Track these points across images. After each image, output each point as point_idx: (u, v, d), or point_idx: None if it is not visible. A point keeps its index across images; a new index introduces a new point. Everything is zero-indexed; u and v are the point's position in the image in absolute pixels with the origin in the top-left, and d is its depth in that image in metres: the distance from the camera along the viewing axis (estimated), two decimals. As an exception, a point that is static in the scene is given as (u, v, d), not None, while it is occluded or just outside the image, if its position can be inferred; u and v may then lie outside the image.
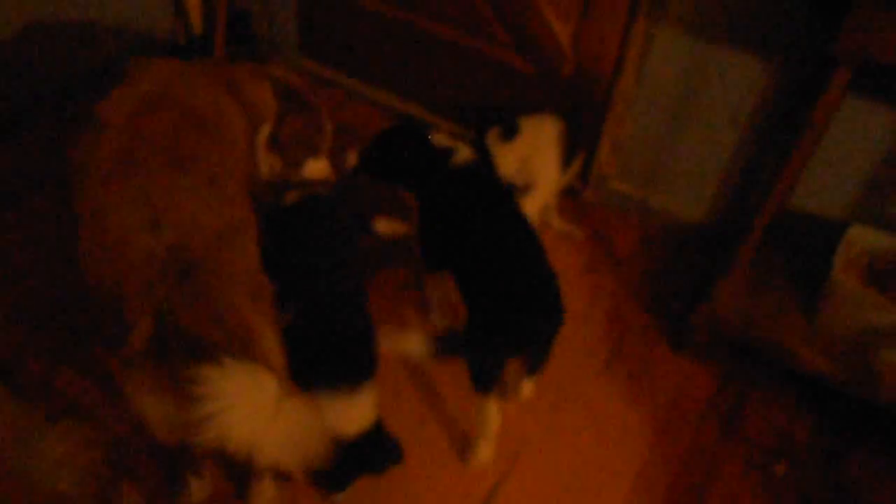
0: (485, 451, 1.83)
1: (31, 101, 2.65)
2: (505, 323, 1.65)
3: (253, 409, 1.23)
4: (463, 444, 1.89)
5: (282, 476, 1.41)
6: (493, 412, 1.74)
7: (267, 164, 1.97)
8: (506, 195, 1.95)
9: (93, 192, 1.44)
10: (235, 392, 1.20)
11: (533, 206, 2.35)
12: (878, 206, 2.07)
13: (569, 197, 2.61)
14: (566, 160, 2.35)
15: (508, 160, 2.37)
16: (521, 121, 2.37)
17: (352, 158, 2.04)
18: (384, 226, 2.07)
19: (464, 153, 1.98)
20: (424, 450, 1.86)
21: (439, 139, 2.02)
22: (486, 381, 1.69)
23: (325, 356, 1.58)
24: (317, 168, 1.98)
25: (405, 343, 1.59)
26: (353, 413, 1.57)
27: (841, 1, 1.54)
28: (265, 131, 1.93)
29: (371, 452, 1.61)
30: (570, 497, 1.83)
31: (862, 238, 1.97)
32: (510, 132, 2.36)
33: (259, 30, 3.03)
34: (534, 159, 2.33)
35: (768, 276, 2.11)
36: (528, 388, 1.96)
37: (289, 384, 1.38)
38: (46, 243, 2.22)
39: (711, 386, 2.10)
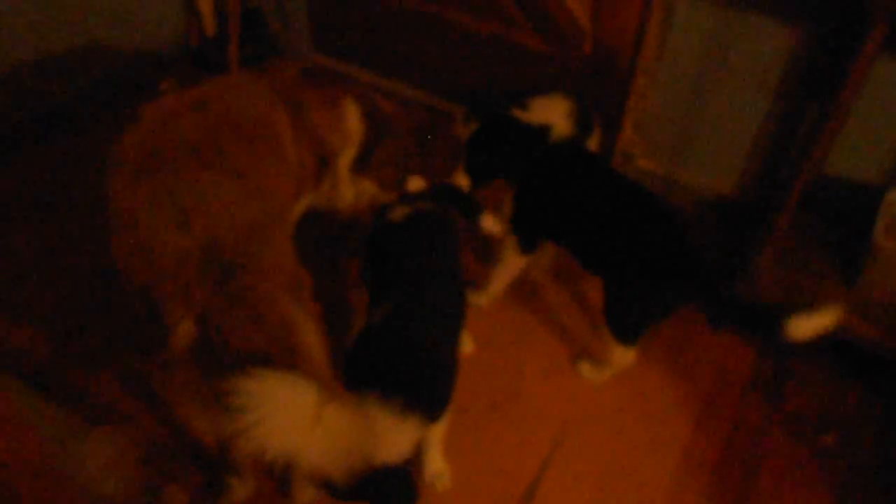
0: (603, 375, 1.99)
1: (45, 116, 2.66)
2: (652, 290, 1.77)
3: (292, 418, 1.20)
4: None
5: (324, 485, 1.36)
6: (631, 355, 1.90)
7: (352, 189, 2.04)
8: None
9: (122, 192, 1.43)
10: (273, 402, 1.18)
11: None
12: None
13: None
14: (579, 139, 2.31)
15: None
16: (530, 102, 2.33)
17: (415, 183, 2.00)
18: (489, 223, 1.97)
19: (560, 128, 1.98)
20: (473, 433, 1.84)
21: (529, 117, 2.01)
22: (631, 338, 1.85)
23: (410, 372, 1.48)
24: (418, 183, 1.98)
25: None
26: (402, 441, 1.40)
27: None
28: (346, 156, 1.98)
29: (392, 486, 1.45)
30: (617, 478, 1.80)
31: (902, 200, 1.92)
32: None
33: (272, 27, 3.02)
34: None
35: (805, 245, 2.07)
36: None
37: (332, 385, 1.35)
38: (78, 250, 2.22)
39: (753, 359, 2.06)
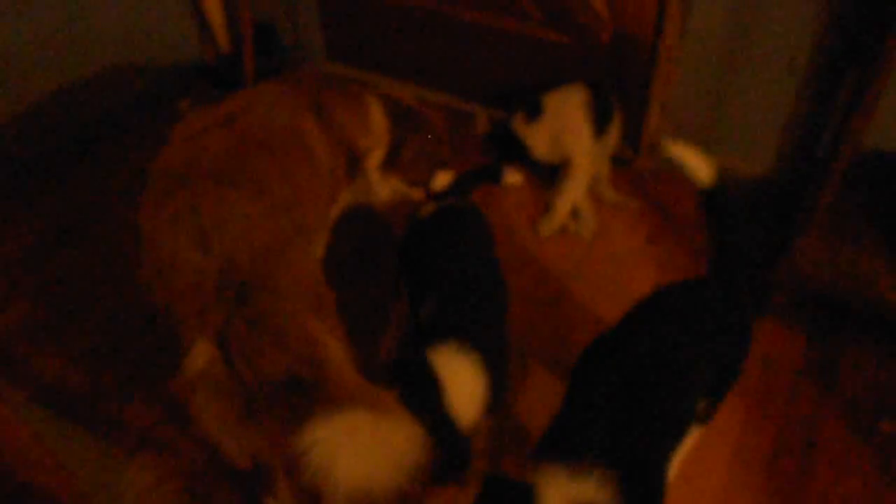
0: None
1: (71, 142, 2.68)
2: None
3: (357, 448, 1.21)
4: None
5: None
6: None
7: (386, 186, 2.03)
8: None
9: (148, 213, 1.44)
10: (335, 441, 1.19)
11: (577, 182, 2.27)
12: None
13: (622, 167, 2.51)
14: (598, 128, 2.26)
15: (538, 140, 2.31)
16: (545, 98, 2.31)
17: (442, 179, 2.05)
18: (510, 177, 2.03)
19: None
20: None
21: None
22: None
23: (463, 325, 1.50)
24: (445, 178, 2.00)
25: None
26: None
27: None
28: (376, 156, 1.97)
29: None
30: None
31: (950, 170, 1.83)
32: (534, 112, 2.30)
33: (285, 40, 3.00)
34: (563, 133, 2.26)
35: (849, 223, 1.98)
36: None
37: (369, 397, 1.33)
38: (110, 275, 2.22)
39: (800, 347, 1.98)
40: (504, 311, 1.65)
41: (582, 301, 2.12)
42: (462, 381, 1.39)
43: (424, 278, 1.64)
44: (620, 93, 2.37)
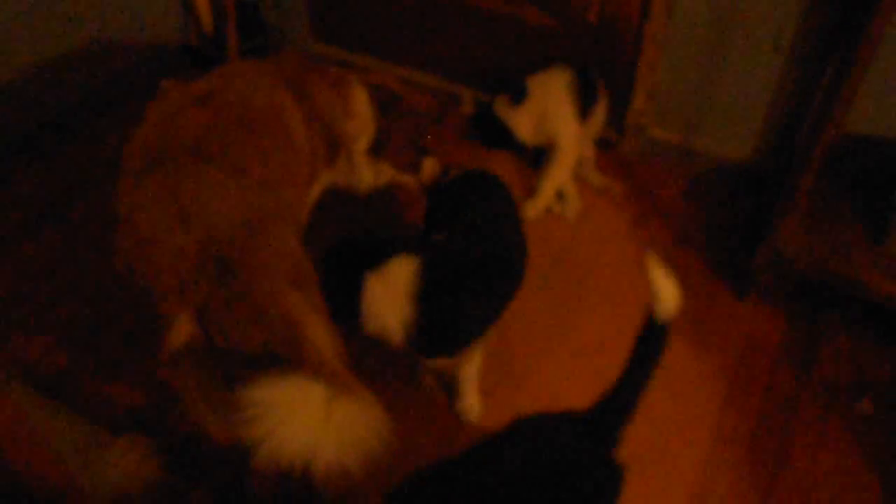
0: None
1: (50, 123, 2.65)
2: None
3: (303, 419, 1.22)
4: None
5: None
6: None
7: (371, 172, 2.05)
8: None
9: (126, 192, 1.42)
10: (281, 409, 1.19)
11: (562, 165, 2.28)
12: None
13: (607, 150, 2.52)
14: (583, 109, 2.27)
15: (522, 124, 2.32)
16: (529, 80, 2.31)
17: (430, 165, 2.05)
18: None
19: None
20: (499, 413, 1.81)
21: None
22: None
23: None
24: (431, 165, 2.01)
25: None
26: None
27: None
28: (362, 142, 1.98)
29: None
30: (646, 460, 1.75)
31: (930, 154, 1.85)
32: (518, 95, 2.30)
33: (269, 19, 2.97)
34: (548, 116, 2.27)
35: (830, 207, 2.00)
36: None
37: (342, 377, 1.34)
38: (91, 256, 2.20)
39: (781, 328, 2.01)
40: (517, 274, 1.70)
41: (566, 284, 2.13)
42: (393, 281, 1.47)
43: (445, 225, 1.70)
44: (606, 75, 2.37)
